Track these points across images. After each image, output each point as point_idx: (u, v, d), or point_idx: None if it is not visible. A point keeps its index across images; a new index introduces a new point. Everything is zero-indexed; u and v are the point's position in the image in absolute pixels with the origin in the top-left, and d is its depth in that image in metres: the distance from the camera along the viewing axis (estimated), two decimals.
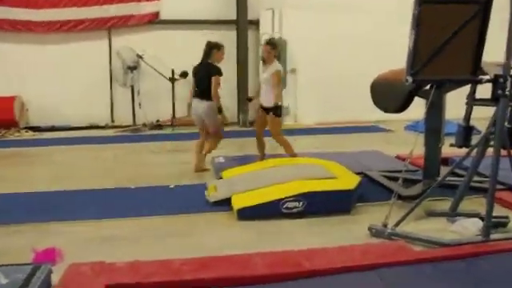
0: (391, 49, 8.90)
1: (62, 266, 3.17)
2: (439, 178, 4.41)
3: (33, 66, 10.00)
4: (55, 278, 2.89)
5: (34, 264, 2.85)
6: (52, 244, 3.56)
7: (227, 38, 10.43)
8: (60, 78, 10.10)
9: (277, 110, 5.81)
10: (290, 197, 4.28)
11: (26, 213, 4.48)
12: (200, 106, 5.91)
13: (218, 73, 5.86)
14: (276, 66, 5.87)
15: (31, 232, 4.00)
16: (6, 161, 7.34)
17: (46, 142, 8.78)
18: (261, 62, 5.98)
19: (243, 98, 10.51)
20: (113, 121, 10.57)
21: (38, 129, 10.03)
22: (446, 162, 5.64)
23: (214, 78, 5.79)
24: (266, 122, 5.95)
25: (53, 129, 10.10)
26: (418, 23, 3.58)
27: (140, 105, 10.17)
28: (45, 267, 2.74)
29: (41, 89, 10.05)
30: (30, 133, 9.80)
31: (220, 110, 5.88)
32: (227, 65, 10.45)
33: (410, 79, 3.73)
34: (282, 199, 4.27)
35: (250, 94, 10.60)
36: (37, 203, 4.80)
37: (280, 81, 5.88)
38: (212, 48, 5.89)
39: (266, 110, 5.90)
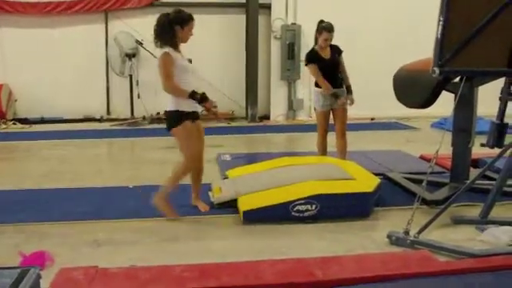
0: (416, 38, 8.92)
1: (52, 270, 3.22)
2: (468, 182, 4.39)
3: (21, 51, 10.08)
4: (44, 284, 2.92)
5: (22, 268, 2.87)
6: (41, 246, 3.61)
7: (236, 23, 10.51)
8: (51, 66, 10.18)
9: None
10: (301, 199, 4.28)
11: (12, 212, 4.53)
12: None
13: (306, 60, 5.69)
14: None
15: (17, 233, 4.04)
16: None
17: (35, 136, 8.88)
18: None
19: (252, 90, 10.52)
20: (109, 113, 10.64)
21: (26, 121, 10.13)
22: (475, 163, 5.61)
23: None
24: None
25: (43, 121, 10.20)
26: (448, 7, 3.55)
27: (139, 96, 10.22)
28: (33, 271, 2.76)
29: (30, 77, 10.15)
30: (18, 125, 9.91)
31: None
32: (235, 53, 10.63)
33: (437, 71, 3.71)
34: (292, 201, 4.28)
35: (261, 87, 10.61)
36: (24, 202, 4.85)
37: None
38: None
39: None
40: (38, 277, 2.81)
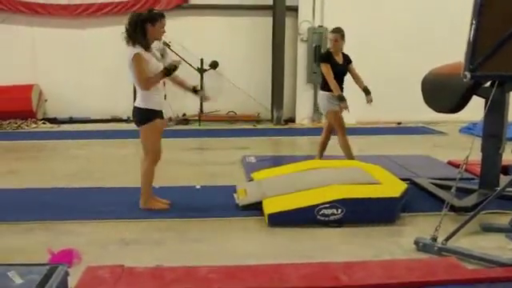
0: (446, 41, 8.80)
1: (79, 267, 3.27)
2: (498, 189, 4.30)
3: (52, 53, 10.30)
4: (71, 281, 2.96)
5: (51, 264, 2.93)
6: (68, 244, 3.67)
7: (263, 26, 10.52)
8: (80, 67, 10.37)
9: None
10: (326, 203, 4.26)
11: (41, 210, 4.62)
12: None
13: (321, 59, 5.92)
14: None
15: (46, 231, 4.12)
16: (21, 154, 7.59)
17: (63, 135, 9.05)
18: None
19: (278, 93, 10.51)
20: None
21: (55, 121, 10.33)
22: (506, 170, 5.49)
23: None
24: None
25: (71, 121, 10.38)
26: (481, 11, 3.49)
27: (165, 97, 10.23)
28: (61, 268, 2.82)
29: (60, 78, 10.35)
30: (48, 125, 10.11)
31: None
32: (261, 55, 10.64)
33: (468, 75, 3.66)
34: (318, 205, 4.26)
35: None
36: (52, 200, 4.94)
37: None
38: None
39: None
40: (66, 274, 2.87)
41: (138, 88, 4.50)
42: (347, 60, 6.00)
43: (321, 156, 6.21)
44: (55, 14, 10.32)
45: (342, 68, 5.90)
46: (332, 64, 5.82)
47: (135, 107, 4.53)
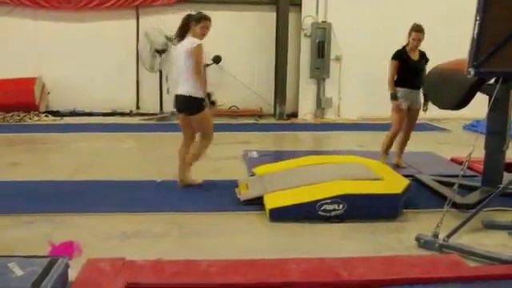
0: (451, 37, 8.75)
1: (80, 260, 3.27)
2: (501, 186, 4.29)
3: (55, 45, 10.29)
4: (72, 273, 2.97)
5: (51, 257, 2.93)
6: (69, 237, 3.67)
7: (266, 21, 10.51)
8: (83, 60, 10.37)
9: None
10: (328, 198, 4.25)
11: (42, 202, 4.62)
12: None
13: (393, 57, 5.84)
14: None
15: (46, 222, 4.12)
16: (23, 146, 7.61)
17: (66, 128, 9.05)
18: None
19: (281, 88, 10.50)
20: (138, 107, 10.77)
21: (58, 113, 10.34)
22: (509, 167, 5.47)
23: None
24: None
25: (74, 114, 10.39)
26: (485, 6, 3.47)
27: (168, 91, 10.29)
28: (62, 261, 2.83)
29: (62, 71, 10.35)
30: (50, 117, 10.11)
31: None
32: (265, 50, 10.62)
33: (472, 71, 3.63)
34: (319, 200, 4.25)
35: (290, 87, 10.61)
36: (53, 192, 4.94)
37: None
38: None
39: None
40: (67, 266, 2.88)
41: (188, 77, 4.76)
42: (424, 57, 5.92)
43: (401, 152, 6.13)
44: (58, 6, 10.32)
45: (417, 64, 5.84)
46: (404, 60, 5.78)
47: (187, 96, 4.81)
